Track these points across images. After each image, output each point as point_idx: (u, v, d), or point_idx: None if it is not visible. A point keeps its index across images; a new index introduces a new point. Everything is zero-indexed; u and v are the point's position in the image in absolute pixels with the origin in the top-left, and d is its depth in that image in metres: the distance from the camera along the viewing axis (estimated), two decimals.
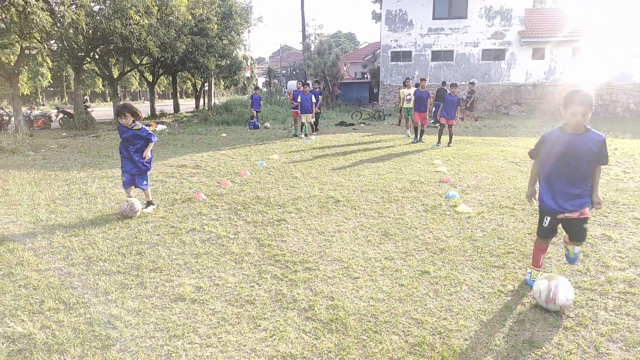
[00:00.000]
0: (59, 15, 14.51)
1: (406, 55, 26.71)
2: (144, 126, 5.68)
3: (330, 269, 4.02)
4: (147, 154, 5.70)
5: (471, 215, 5.60)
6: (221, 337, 2.94)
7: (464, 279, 3.78)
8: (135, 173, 5.68)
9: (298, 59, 53.91)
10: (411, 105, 13.46)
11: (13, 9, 13.14)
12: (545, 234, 3.57)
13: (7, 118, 17.26)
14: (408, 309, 3.28)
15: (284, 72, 55.39)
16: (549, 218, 3.49)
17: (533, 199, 3.66)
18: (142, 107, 38.16)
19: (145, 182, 5.79)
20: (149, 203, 5.88)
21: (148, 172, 5.85)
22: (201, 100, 32.62)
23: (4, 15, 13.54)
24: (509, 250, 4.43)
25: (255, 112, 17.90)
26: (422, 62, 26.47)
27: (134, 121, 5.55)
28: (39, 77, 33.88)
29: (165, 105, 34.09)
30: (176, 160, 9.80)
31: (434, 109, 15.06)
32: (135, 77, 42.05)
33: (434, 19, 25.89)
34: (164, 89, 53.35)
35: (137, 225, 5.26)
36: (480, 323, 3.09)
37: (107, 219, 5.51)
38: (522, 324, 3.08)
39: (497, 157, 9.99)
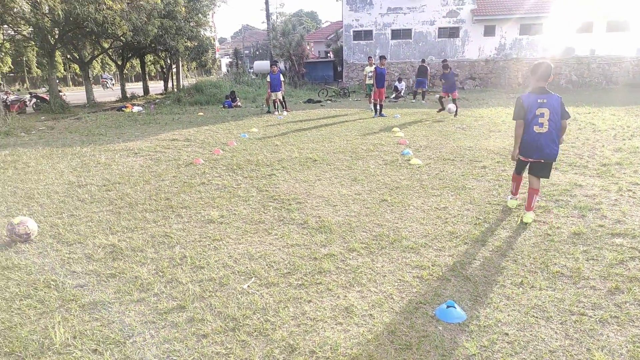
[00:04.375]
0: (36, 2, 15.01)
1: (367, 34, 28.06)
2: None
3: (315, 202, 5.46)
4: None
5: (421, 165, 7.15)
6: (247, 239, 4.34)
7: (411, 203, 5.30)
8: None
9: (260, 39, 54.10)
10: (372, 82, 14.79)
11: None
12: None
13: None
14: (372, 219, 4.77)
15: (246, 52, 55.59)
16: None
17: None
18: (112, 91, 38.07)
19: None
20: None
21: None
22: (169, 82, 33.04)
23: None
24: (445, 185, 5.99)
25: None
26: (382, 40, 27.90)
27: None
28: (0, 62, 33.35)
29: (133, 88, 34.28)
30: (166, 136, 10.94)
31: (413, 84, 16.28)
32: (97, 62, 41.60)
33: None
34: (126, 71, 52.82)
35: (156, 182, 6.53)
36: (420, 224, 4.62)
37: (128, 180, 6.73)
38: (446, 223, 4.62)
39: (448, 124, 11.62)
